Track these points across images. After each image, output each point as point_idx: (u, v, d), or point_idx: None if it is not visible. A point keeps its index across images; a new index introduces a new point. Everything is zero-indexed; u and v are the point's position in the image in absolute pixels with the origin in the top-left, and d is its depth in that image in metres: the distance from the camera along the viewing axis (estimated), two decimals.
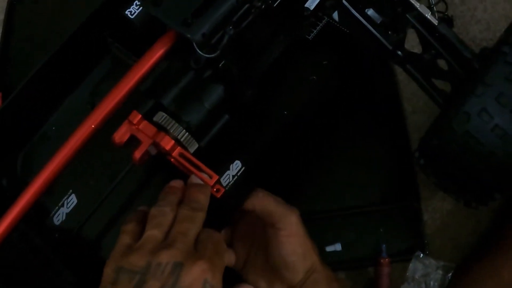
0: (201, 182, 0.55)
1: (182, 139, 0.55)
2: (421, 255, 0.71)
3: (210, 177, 0.55)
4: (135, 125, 0.55)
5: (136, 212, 0.54)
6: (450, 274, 0.72)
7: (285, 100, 0.65)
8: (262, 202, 0.62)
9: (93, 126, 0.54)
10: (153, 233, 0.49)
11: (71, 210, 0.63)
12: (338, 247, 0.71)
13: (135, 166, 0.61)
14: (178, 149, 0.55)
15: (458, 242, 0.74)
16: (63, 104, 0.67)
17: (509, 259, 0.68)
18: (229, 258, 0.64)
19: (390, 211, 0.74)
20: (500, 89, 0.61)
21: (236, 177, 0.62)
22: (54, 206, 0.63)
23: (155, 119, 0.55)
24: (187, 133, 0.55)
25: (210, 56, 0.53)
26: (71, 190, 0.63)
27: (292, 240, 0.61)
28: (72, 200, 0.63)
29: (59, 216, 0.63)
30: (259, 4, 0.55)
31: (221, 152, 0.61)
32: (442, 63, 0.68)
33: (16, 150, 0.66)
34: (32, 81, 0.63)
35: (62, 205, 0.63)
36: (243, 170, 0.62)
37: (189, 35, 0.51)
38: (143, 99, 0.57)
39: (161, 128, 0.55)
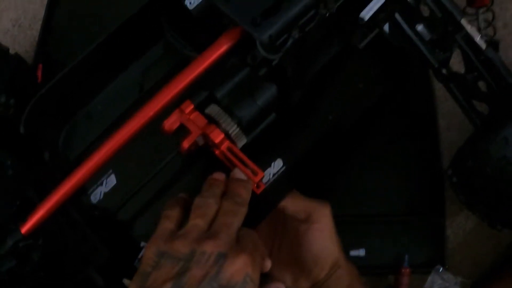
0: (244, 177, 0.56)
1: (232, 134, 0.55)
2: (440, 269, 0.73)
3: (255, 173, 0.56)
4: (187, 115, 0.56)
5: (177, 199, 0.54)
6: None
7: (330, 105, 0.66)
8: (293, 200, 0.64)
9: (151, 113, 0.54)
10: (198, 222, 0.50)
11: (110, 190, 0.64)
12: (362, 252, 0.73)
13: (178, 154, 0.63)
14: (227, 143, 0.55)
15: (478, 260, 0.76)
16: (111, 84, 0.67)
17: None
18: None
19: (415, 222, 0.75)
20: None
21: (276, 175, 0.63)
22: (92, 183, 0.64)
23: (207, 111, 0.56)
24: (238, 128, 0.55)
25: (273, 57, 0.54)
26: (111, 170, 0.64)
27: (324, 235, 0.63)
28: (112, 180, 0.64)
29: (97, 194, 0.64)
30: (324, 11, 0.56)
31: (263, 149, 0.62)
32: (481, 85, 0.69)
33: (61, 125, 0.67)
34: (85, 59, 0.63)
35: (101, 184, 0.64)
36: (284, 169, 0.63)
37: (256, 35, 0.52)
38: (196, 89, 0.57)
39: (212, 120, 0.56)
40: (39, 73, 0.84)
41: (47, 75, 0.84)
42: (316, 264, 0.63)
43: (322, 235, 0.63)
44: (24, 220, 0.54)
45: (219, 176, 0.56)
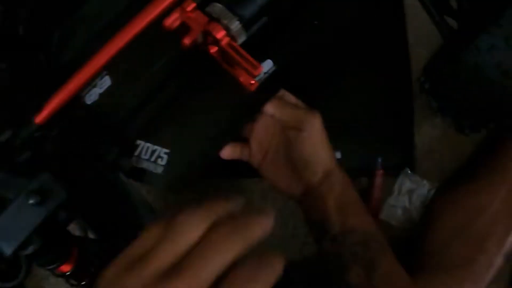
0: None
1: (234, 30, 0.58)
2: (409, 171, 0.78)
3: (255, 67, 0.58)
4: (188, 13, 0.58)
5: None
6: (433, 191, 0.78)
7: (316, 11, 0.69)
8: (282, 109, 0.66)
9: (154, 14, 0.57)
10: (162, 255, 0.36)
11: (105, 91, 0.65)
12: (338, 155, 0.76)
13: (173, 56, 0.65)
14: (228, 39, 0.58)
15: (443, 167, 0.80)
16: None
17: (486, 185, 0.74)
18: (244, 152, 0.70)
19: (387, 128, 0.79)
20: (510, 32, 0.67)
21: (266, 74, 0.66)
22: (85, 86, 0.65)
23: (208, 9, 0.59)
24: (240, 24, 0.58)
25: None
26: (105, 72, 0.65)
27: (313, 141, 0.66)
28: (106, 81, 0.65)
29: (91, 96, 0.65)
30: None
31: (254, 51, 0.64)
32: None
33: (54, 25, 0.67)
34: None
35: (95, 86, 0.65)
36: (274, 70, 0.66)
37: None
38: None
39: (213, 18, 0.58)
40: None
41: None
42: (307, 168, 0.66)
43: (310, 142, 0.65)
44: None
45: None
